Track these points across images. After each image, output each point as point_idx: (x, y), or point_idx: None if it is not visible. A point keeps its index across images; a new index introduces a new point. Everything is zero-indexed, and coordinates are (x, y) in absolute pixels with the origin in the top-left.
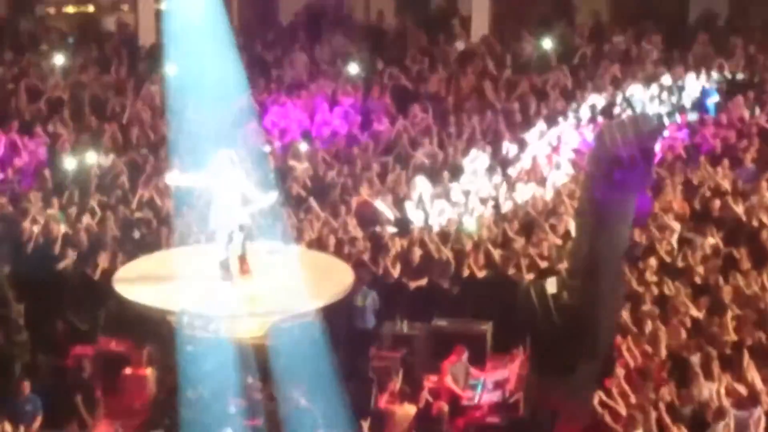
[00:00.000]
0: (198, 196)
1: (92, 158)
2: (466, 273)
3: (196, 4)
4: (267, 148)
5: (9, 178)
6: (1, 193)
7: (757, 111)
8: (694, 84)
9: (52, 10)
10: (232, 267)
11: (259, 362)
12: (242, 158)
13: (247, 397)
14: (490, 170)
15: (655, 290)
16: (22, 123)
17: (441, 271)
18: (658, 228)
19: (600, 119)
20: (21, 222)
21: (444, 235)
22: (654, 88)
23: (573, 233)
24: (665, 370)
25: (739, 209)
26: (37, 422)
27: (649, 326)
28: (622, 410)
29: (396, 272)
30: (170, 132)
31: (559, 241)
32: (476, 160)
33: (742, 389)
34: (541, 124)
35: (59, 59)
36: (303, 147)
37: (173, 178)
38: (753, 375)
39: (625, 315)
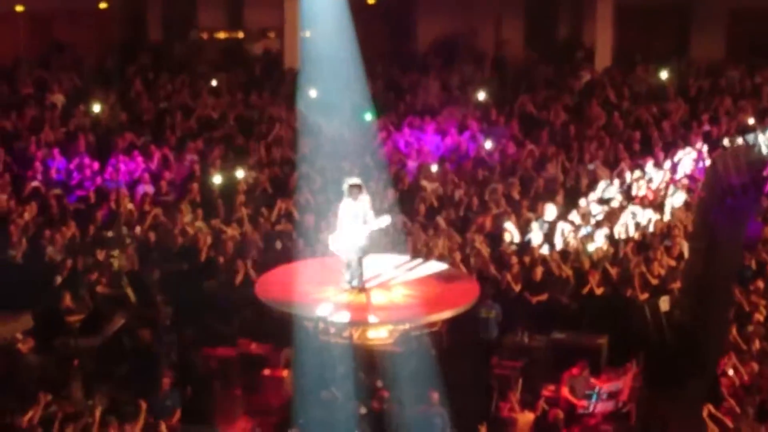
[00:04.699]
0: (335, 212)
1: (238, 173)
2: (584, 290)
3: (338, 32)
4: (397, 168)
5: (161, 190)
6: (154, 204)
7: None
8: None
9: (204, 36)
10: (361, 279)
11: (387, 367)
12: (375, 178)
13: (376, 399)
14: (610, 194)
15: (763, 311)
16: (175, 139)
17: (561, 287)
18: None
19: (714, 149)
20: (172, 231)
21: (564, 254)
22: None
23: (686, 255)
24: None
25: None
26: (176, 416)
27: (756, 345)
28: (730, 424)
29: (518, 287)
30: (310, 151)
31: (673, 262)
32: (597, 184)
33: None
34: (658, 152)
35: (209, 81)
36: (434, 168)
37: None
38: None
39: (734, 333)
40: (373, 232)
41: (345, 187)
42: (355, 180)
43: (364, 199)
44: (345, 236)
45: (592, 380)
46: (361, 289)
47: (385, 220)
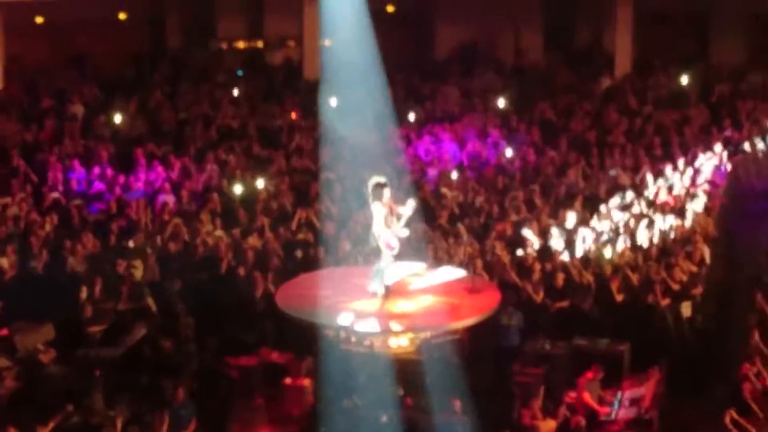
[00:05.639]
0: (355, 219)
1: (258, 182)
2: (605, 296)
3: (358, 41)
4: (418, 176)
5: (182, 200)
6: (174, 214)
7: None
8: None
9: (224, 45)
10: (384, 286)
11: (409, 376)
12: (394, 184)
13: (398, 408)
14: (631, 200)
15: None
16: (195, 149)
17: (582, 294)
18: None
19: (735, 154)
20: (192, 241)
21: (585, 261)
22: None
23: (707, 260)
24: None
25: None
26: (192, 426)
27: None
28: (753, 430)
29: (539, 294)
30: (330, 159)
31: (694, 268)
32: (617, 190)
33: None
34: (679, 158)
35: (230, 90)
36: (454, 175)
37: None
38: None
39: (756, 339)
40: (406, 221)
41: (370, 185)
42: (380, 178)
43: (387, 194)
44: (387, 235)
45: (610, 386)
46: (387, 292)
47: (410, 205)
